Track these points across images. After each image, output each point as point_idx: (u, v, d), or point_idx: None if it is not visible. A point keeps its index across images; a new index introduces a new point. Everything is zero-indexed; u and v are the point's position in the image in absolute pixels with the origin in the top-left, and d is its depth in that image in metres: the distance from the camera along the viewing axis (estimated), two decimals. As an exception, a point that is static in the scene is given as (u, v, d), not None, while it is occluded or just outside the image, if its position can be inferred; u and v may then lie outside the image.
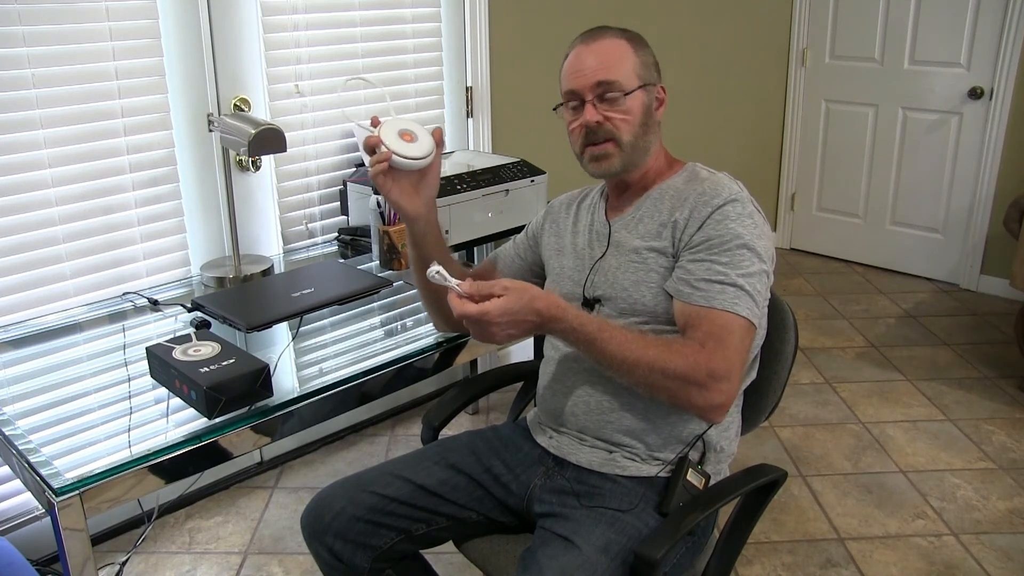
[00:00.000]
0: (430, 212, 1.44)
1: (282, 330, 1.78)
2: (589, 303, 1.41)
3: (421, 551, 1.53)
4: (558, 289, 1.47)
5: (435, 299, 1.53)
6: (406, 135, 1.36)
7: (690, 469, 1.35)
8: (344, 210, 2.48)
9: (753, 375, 1.45)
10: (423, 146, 1.37)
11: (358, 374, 1.58)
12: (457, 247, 2.20)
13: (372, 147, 1.36)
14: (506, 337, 1.22)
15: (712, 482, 1.38)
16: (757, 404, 1.53)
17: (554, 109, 1.43)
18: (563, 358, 1.45)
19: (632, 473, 1.37)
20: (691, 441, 1.37)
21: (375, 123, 1.39)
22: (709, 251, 1.28)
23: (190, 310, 1.87)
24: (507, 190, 2.26)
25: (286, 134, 1.98)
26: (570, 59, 1.40)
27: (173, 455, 1.34)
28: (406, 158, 1.34)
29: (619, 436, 1.38)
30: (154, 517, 2.29)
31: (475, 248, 2.31)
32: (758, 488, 1.37)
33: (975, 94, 3.72)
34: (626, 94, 1.36)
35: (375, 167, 1.36)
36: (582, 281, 1.43)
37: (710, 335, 1.23)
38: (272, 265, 2.19)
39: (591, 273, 1.42)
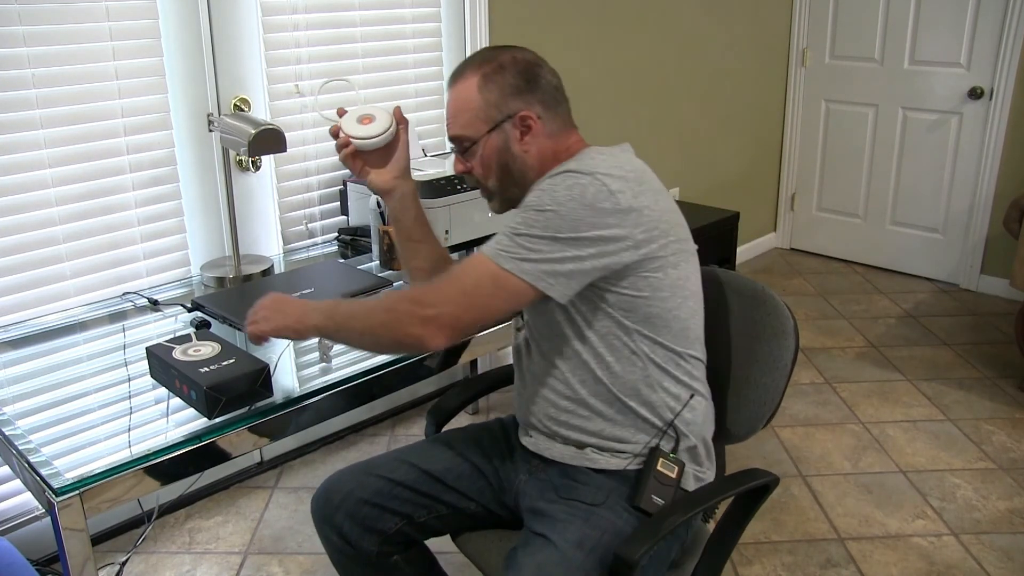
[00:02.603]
0: (404, 185, 1.49)
1: (282, 330, 1.78)
2: None
3: (427, 550, 1.56)
4: None
5: None
6: (365, 119, 1.46)
7: (661, 459, 1.35)
8: (344, 210, 2.48)
9: (695, 352, 1.39)
10: (380, 125, 1.46)
11: (358, 374, 1.58)
12: (457, 247, 2.20)
13: (335, 134, 1.47)
14: (269, 326, 1.32)
15: (687, 468, 1.37)
16: (754, 412, 1.51)
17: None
18: (521, 364, 1.47)
19: (603, 467, 1.38)
20: (661, 428, 1.36)
21: (341, 113, 1.49)
22: (513, 215, 1.29)
23: (190, 310, 1.87)
24: (507, 190, 2.25)
25: (286, 134, 1.98)
26: None
27: (173, 455, 1.34)
28: (361, 138, 1.45)
29: (585, 436, 1.39)
30: (154, 517, 2.29)
31: (475, 248, 2.31)
32: (748, 491, 1.37)
33: (975, 94, 3.72)
34: (474, 143, 1.37)
35: (341, 152, 1.47)
36: None
37: (447, 272, 1.29)
38: (272, 265, 2.19)
39: None
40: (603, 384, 1.35)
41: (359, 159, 1.48)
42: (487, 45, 2.81)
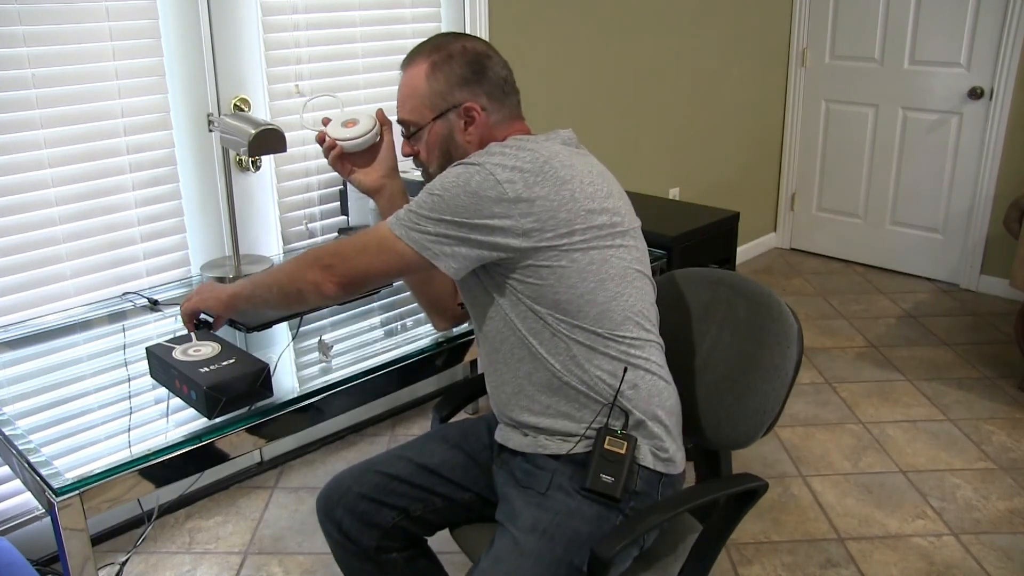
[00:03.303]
0: (391, 183, 1.55)
1: (282, 330, 1.79)
2: None
3: (429, 550, 1.57)
4: None
5: (427, 294, 1.58)
6: (349, 123, 1.53)
7: (608, 437, 1.34)
8: (344, 210, 2.48)
9: (630, 333, 1.37)
10: (362, 127, 1.52)
11: (358, 374, 1.58)
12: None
13: (321, 141, 1.54)
14: (197, 298, 1.51)
15: (642, 443, 1.35)
16: (754, 419, 1.49)
17: None
18: (482, 354, 1.48)
19: (553, 452, 1.38)
20: (605, 404, 1.35)
21: (325, 122, 1.55)
22: None
23: (190, 310, 1.87)
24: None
25: (286, 134, 1.98)
26: None
27: (173, 455, 1.34)
28: (346, 140, 1.51)
29: (534, 417, 1.39)
30: (154, 517, 2.29)
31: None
32: (738, 495, 1.36)
33: (975, 94, 3.72)
34: (420, 129, 1.42)
35: (328, 156, 1.53)
36: None
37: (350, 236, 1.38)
38: (272, 265, 2.19)
39: None
40: (539, 362, 1.35)
41: (347, 162, 1.54)
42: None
